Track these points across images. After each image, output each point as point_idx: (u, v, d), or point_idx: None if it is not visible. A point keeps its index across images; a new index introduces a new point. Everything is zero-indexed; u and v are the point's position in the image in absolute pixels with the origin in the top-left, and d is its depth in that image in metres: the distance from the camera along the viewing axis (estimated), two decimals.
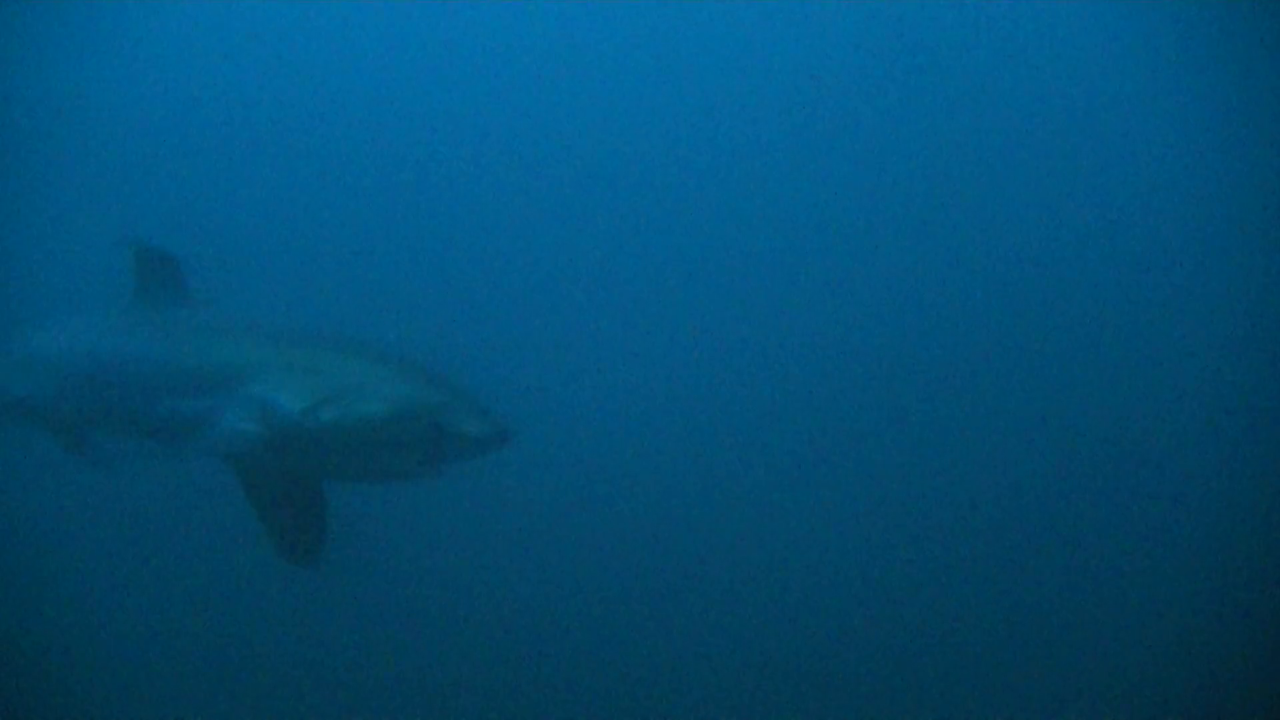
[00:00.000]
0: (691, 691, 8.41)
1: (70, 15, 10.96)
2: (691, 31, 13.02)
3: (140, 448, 5.05)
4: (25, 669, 7.85)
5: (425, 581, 8.93)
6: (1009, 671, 8.61)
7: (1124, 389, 10.84)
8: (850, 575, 9.56)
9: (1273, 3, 9.72)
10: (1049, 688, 8.51)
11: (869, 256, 11.92)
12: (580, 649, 8.64)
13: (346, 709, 8.03)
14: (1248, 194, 10.99)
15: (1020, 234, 11.90)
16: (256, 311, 5.46)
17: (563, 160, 12.57)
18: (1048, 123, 12.23)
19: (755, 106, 12.78)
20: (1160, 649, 8.69)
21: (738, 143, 12.70)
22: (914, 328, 11.46)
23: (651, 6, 13.06)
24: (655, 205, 12.54)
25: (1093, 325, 11.26)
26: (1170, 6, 10.91)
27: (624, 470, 10.15)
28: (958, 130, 12.34)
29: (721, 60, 12.98)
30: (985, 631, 9.05)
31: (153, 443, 4.99)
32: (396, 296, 10.61)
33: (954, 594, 9.42)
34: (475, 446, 4.68)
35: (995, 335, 11.23)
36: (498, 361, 7.73)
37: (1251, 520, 9.54)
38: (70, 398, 5.26)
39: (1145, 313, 11.20)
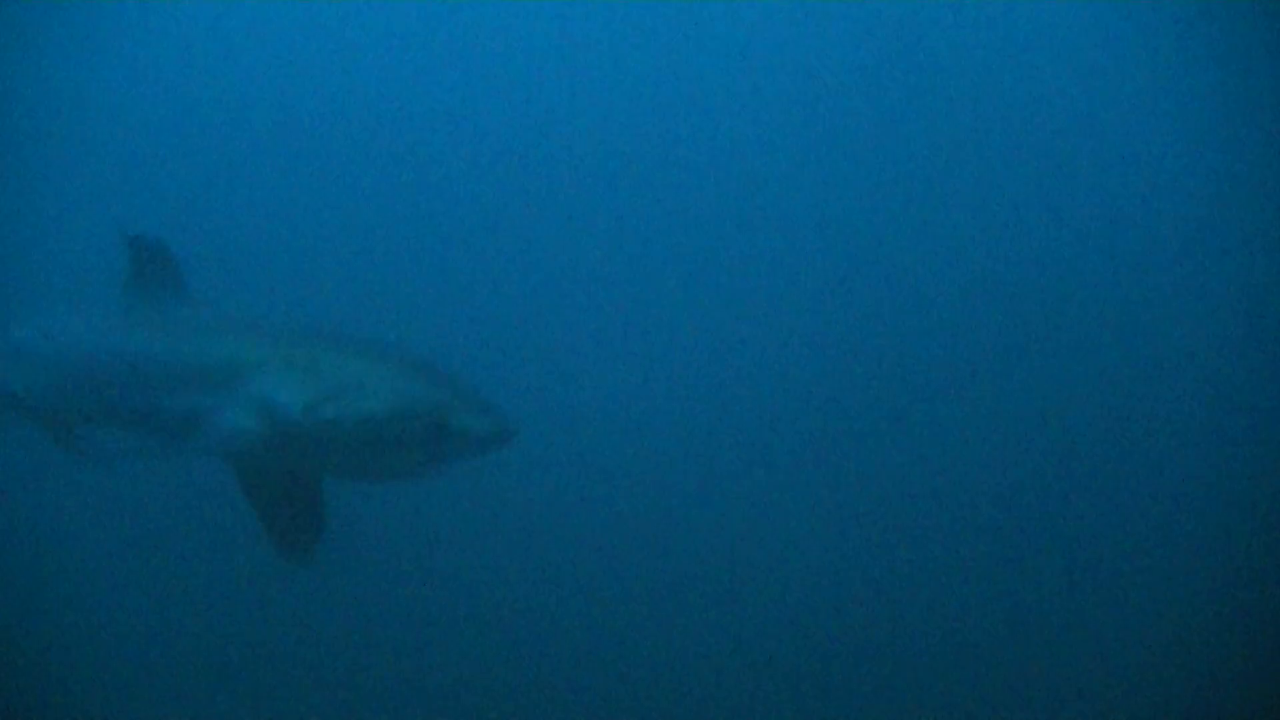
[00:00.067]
0: (692, 690, 8.40)
1: (64, 7, 10.91)
2: (692, 31, 13.02)
3: (138, 445, 5.00)
4: (23, 668, 7.84)
5: (425, 580, 8.92)
6: (1008, 671, 8.61)
7: (1124, 388, 10.85)
8: (850, 574, 9.56)
9: (1273, 2, 9.72)
10: (1049, 687, 8.51)
11: (869, 255, 11.92)
12: (581, 647, 8.63)
13: (347, 708, 8.02)
14: (1247, 193, 11.01)
15: (1019, 233, 11.91)
16: (255, 309, 5.44)
17: (564, 157, 12.56)
18: (1047, 122, 12.23)
19: (755, 106, 12.78)
20: (1160, 649, 8.69)
21: (738, 142, 12.70)
22: (915, 327, 11.46)
23: (652, 6, 13.06)
24: (657, 203, 12.53)
25: (1092, 324, 11.26)
26: (1170, 7, 10.92)
27: (626, 467, 10.14)
28: (956, 129, 12.35)
29: (722, 60, 12.98)
30: (985, 631, 9.05)
31: (151, 440, 4.94)
32: (397, 293, 10.60)
33: (954, 593, 9.42)
34: (478, 444, 4.64)
35: (994, 334, 11.24)
36: (499, 358, 7.72)
37: (1251, 520, 9.55)
38: (65, 393, 5.21)
39: (1145, 312, 11.20)
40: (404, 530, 8.80)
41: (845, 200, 12.34)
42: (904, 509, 10.16)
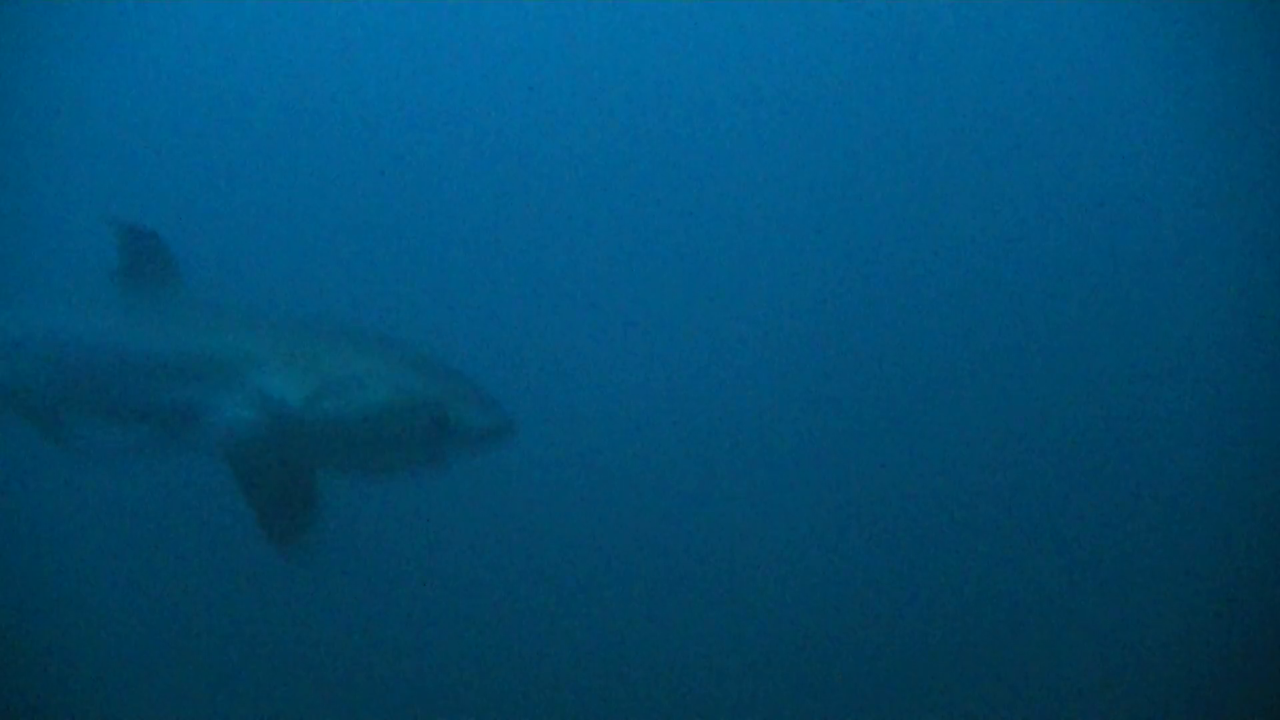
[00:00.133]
0: (692, 689, 8.38)
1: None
2: (692, 31, 13.02)
3: (133, 441, 4.92)
4: (20, 667, 7.81)
5: (425, 578, 8.90)
6: (1008, 671, 8.60)
7: (1124, 387, 10.85)
8: (849, 573, 9.55)
9: (1273, 1, 9.73)
10: (1048, 687, 8.50)
11: (868, 255, 11.92)
12: (580, 646, 8.62)
13: (346, 708, 7.99)
14: (1246, 192, 11.01)
15: (1018, 232, 11.92)
16: (252, 301, 5.31)
17: (563, 153, 12.55)
18: (1045, 121, 12.24)
19: (755, 106, 12.78)
20: (1160, 649, 8.68)
21: (738, 142, 12.69)
22: (914, 325, 11.46)
23: (652, 6, 13.06)
24: (656, 201, 12.53)
25: (1091, 322, 11.27)
26: (1170, 7, 10.93)
27: (625, 464, 10.13)
28: (955, 128, 12.35)
29: (722, 59, 12.98)
30: (984, 631, 9.04)
31: (147, 433, 4.88)
32: (397, 286, 10.58)
33: (953, 592, 9.41)
34: (478, 439, 4.63)
35: (993, 333, 11.24)
36: (498, 353, 7.69)
37: (1251, 520, 9.54)
38: (58, 385, 5.12)
39: (1143, 310, 11.21)
40: (403, 528, 8.78)
41: (844, 200, 12.34)
42: (904, 508, 10.15)
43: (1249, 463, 9.95)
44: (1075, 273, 11.67)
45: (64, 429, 5.30)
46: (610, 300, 11.81)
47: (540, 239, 12.04)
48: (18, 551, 8.58)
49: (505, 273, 11.79)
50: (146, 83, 12.04)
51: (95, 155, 11.14)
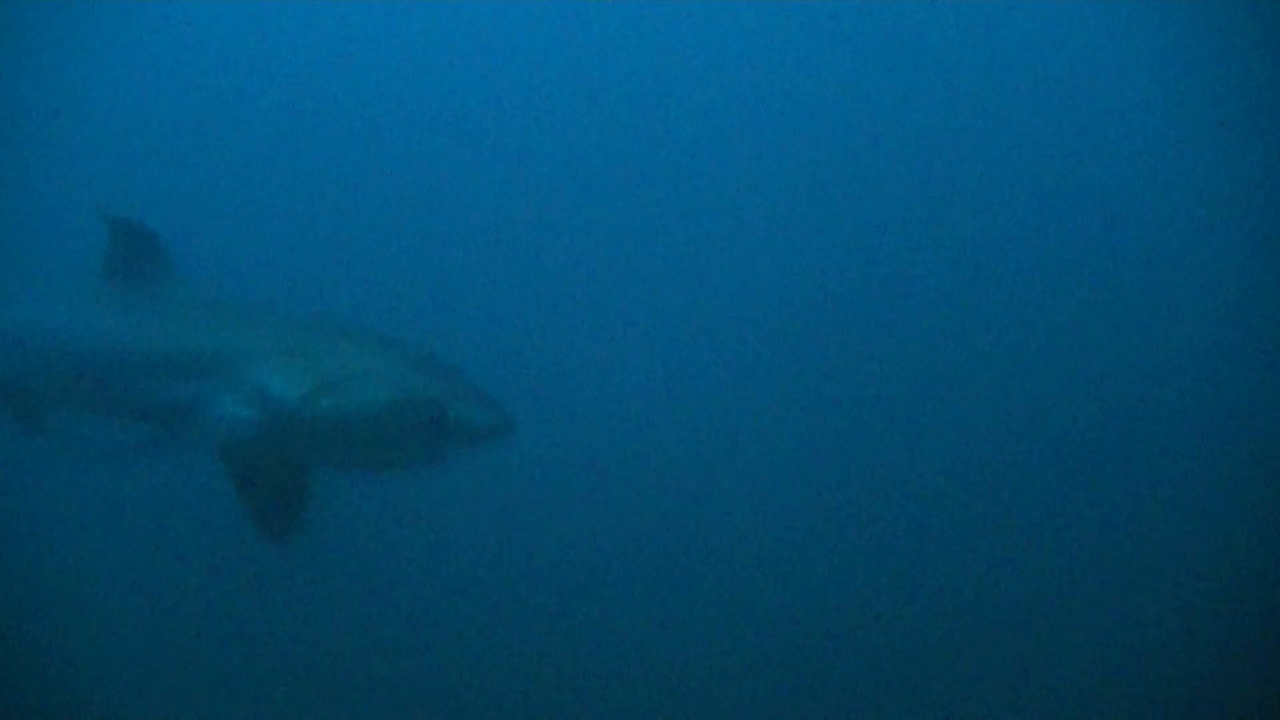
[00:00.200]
0: (691, 689, 8.37)
1: None
2: (692, 30, 13.01)
3: (127, 438, 4.79)
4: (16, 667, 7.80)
5: (424, 577, 8.89)
6: (1007, 671, 8.60)
7: (1124, 387, 10.86)
8: (847, 573, 9.55)
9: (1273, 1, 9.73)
10: (1047, 687, 8.49)
11: (867, 255, 11.92)
12: (580, 644, 8.60)
13: (346, 708, 7.98)
14: (1245, 191, 11.01)
15: (1016, 231, 11.92)
16: (246, 294, 5.26)
17: (563, 155, 12.55)
18: (1044, 121, 12.24)
19: (755, 105, 12.77)
20: (1159, 649, 8.68)
21: (738, 142, 12.69)
22: (913, 325, 11.46)
23: (652, 6, 13.05)
24: (658, 199, 12.52)
25: (1091, 323, 11.27)
26: (1170, 7, 10.92)
27: (624, 462, 10.13)
28: (954, 128, 12.35)
29: (721, 58, 12.97)
30: (984, 632, 9.04)
31: (141, 428, 4.76)
32: (396, 283, 10.56)
33: (952, 591, 9.41)
34: (477, 437, 4.60)
35: (993, 333, 11.24)
36: (496, 351, 7.67)
37: (1251, 519, 9.54)
38: (48, 378, 5.02)
39: (1144, 311, 11.21)
40: (402, 526, 8.78)
41: (843, 200, 12.34)
42: (903, 507, 10.15)
43: (1248, 463, 9.95)
44: (1074, 272, 11.67)
45: (52, 425, 5.21)
46: (609, 299, 11.81)
47: (539, 238, 12.03)
48: (16, 551, 8.56)
49: (504, 270, 11.78)
50: (141, 79, 12.01)
51: (89, 151, 11.11)
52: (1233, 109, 10.77)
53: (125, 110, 11.77)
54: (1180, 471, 10.16)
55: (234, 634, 8.26)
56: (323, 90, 12.48)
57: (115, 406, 4.88)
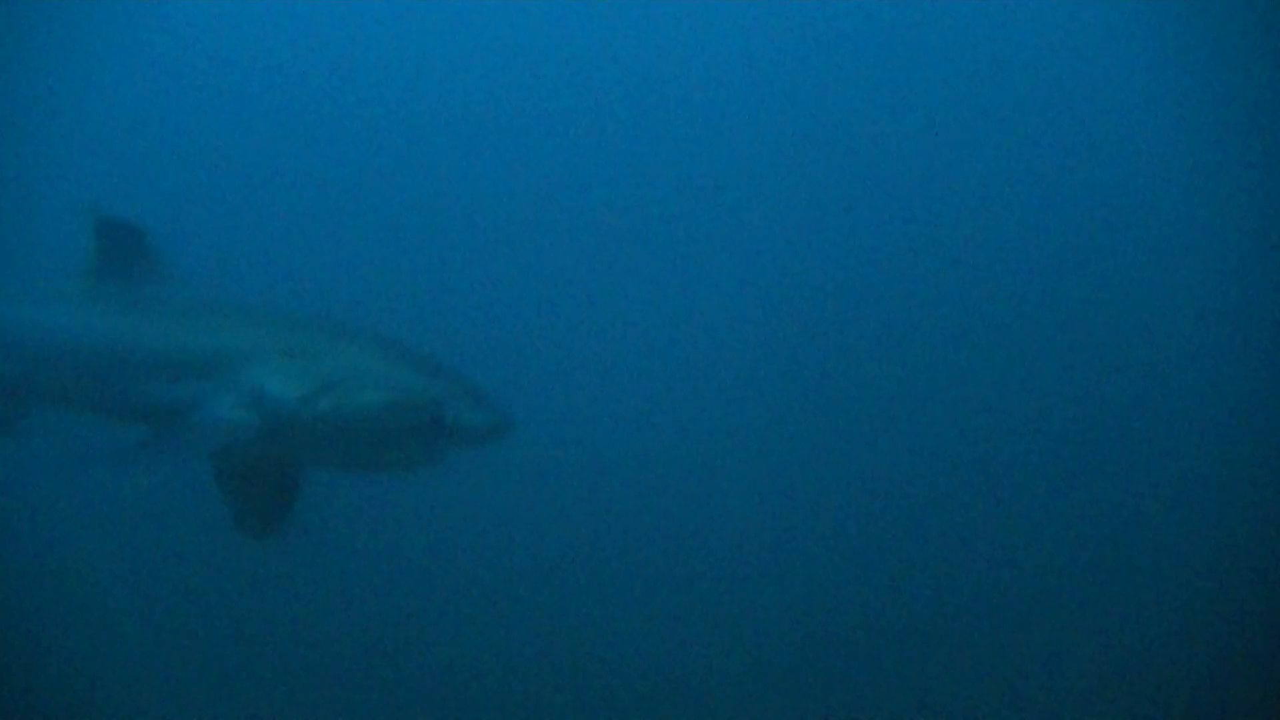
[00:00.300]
0: (689, 689, 8.37)
1: None
2: (692, 30, 13.00)
3: (117, 446, 4.56)
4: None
5: (422, 577, 8.89)
6: (1006, 670, 8.60)
7: (1123, 387, 10.86)
8: (846, 572, 9.54)
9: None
10: (1046, 686, 8.49)
11: (866, 254, 11.91)
12: (580, 643, 8.60)
13: (345, 708, 7.97)
14: (1244, 191, 11.01)
15: (1015, 231, 11.92)
16: (243, 296, 5.15)
17: (562, 154, 12.53)
18: (1042, 121, 12.24)
19: (755, 106, 12.76)
20: (1159, 650, 8.68)
21: (740, 141, 12.67)
22: (916, 324, 11.46)
23: (652, 6, 13.03)
24: (656, 199, 12.51)
25: (1091, 323, 11.27)
26: (1169, 6, 10.91)
27: (624, 461, 10.12)
28: (954, 128, 12.35)
29: (720, 58, 12.95)
30: (984, 632, 9.03)
31: (133, 430, 4.65)
32: (391, 283, 10.53)
33: (951, 591, 9.41)
34: (475, 438, 4.57)
35: (992, 332, 11.24)
36: (497, 349, 7.67)
37: (1251, 520, 9.54)
38: (35, 377, 4.84)
39: (1143, 310, 11.21)
40: (401, 526, 8.77)
41: (842, 200, 12.33)
42: (903, 507, 10.15)
43: (1248, 464, 9.95)
44: (1072, 271, 11.67)
45: (26, 427, 5.05)
46: (608, 299, 11.80)
47: (537, 238, 12.02)
48: (15, 551, 8.54)
49: (502, 270, 11.76)
50: (132, 77, 11.96)
51: (77, 149, 11.06)
52: (1233, 109, 10.77)
53: (114, 108, 11.73)
54: (1179, 471, 10.17)
55: (231, 634, 8.24)
56: (317, 87, 12.45)
57: (108, 408, 4.78)
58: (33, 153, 10.81)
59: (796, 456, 10.51)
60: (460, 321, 9.61)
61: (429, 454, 4.60)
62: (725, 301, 11.76)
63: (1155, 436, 10.51)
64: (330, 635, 8.41)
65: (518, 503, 9.42)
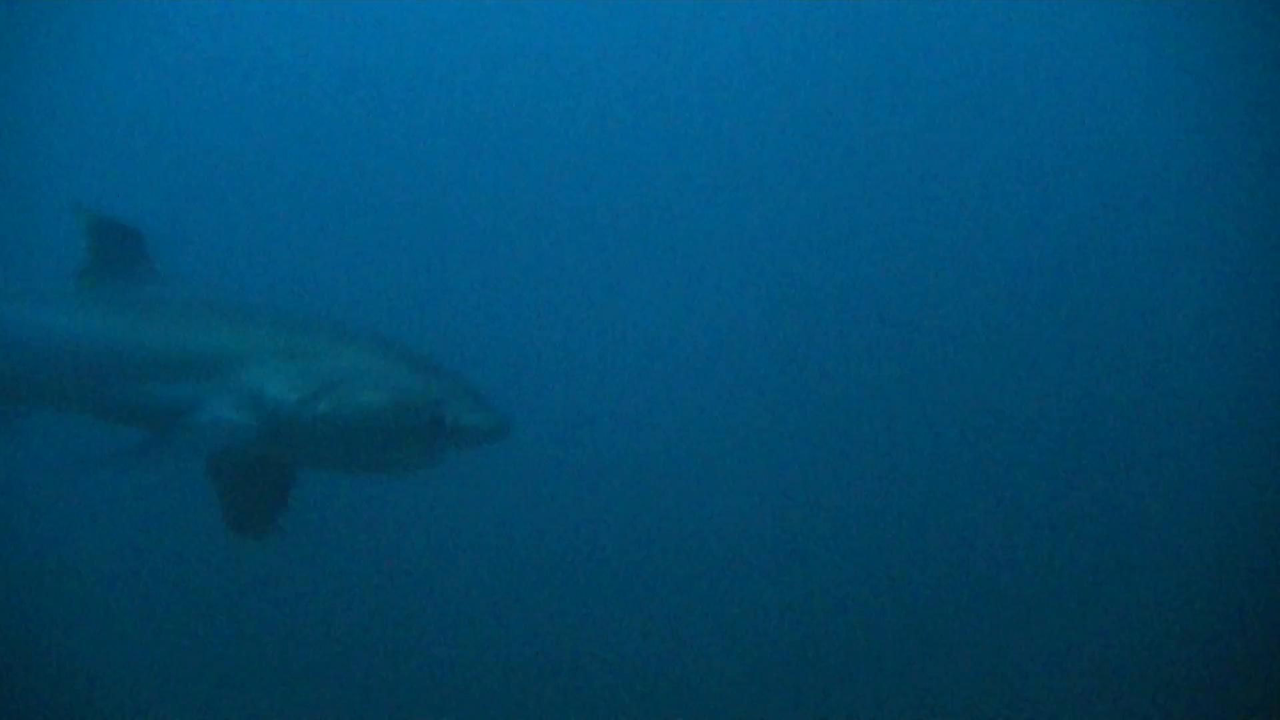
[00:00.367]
0: (689, 688, 8.36)
1: None
2: (692, 30, 12.99)
3: (112, 450, 4.46)
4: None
5: (420, 576, 8.88)
6: (1005, 670, 8.59)
7: (1123, 387, 10.86)
8: (844, 572, 9.54)
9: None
10: (1044, 686, 8.47)
11: (866, 254, 11.91)
12: (580, 642, 8.59)
13: (343, 706, 7.96)
14: (1243, 190, 11.01)
15: (1014, 231, 11.92)
16: (239, 296, 5.06)
17: (562, 154, 12.52)
18: (1041, 121, 12.24)
19: (755, 106, 12.75)
20: (1159, 650, 8.67)
21: (740, 141, 12.67)
22: (916, 325, 11.45)
23: (651, 5, 13.02)
24: (655, 201, 12.51)
25: (1091, 324, 11.27)
26: (1169, 6, 10.90)
27: (622, 461, 10.12)
28: (955, 129, 12.34)
29: (720, 59, 12.94)
30: (983, 631, 9.03)
31: (130, 431, 4.58)
32: (391, 283, 10.52)
33: (951, 591, 9.40)
34: (475, 438, 4.55)
35: (992, 333, 11.24)
36: (494, 349, 7.66)
37: (1251, 520, 9.54)
38: (30, 378, 4.74)
39: (1144, 312, 11.21)
40: (399, 527, 8.76)
41: (843, 200, 12.33)
42: (901, 507, 10.15)
43: (1248, 465, 9.95)
44: (1071, 270, 11.67)
45: (25, 427, 5.02)
46: (607, 300, 11.79)
47: (536, 239, 12.01)
48: (14, 551, 8.53)
49: (501, 271, 11.76)
50: (134, 77, 11.95)
51: (80, 150, 11.04)
52: (1233, 109, 10.76)
53: (112, 108, 11.71)
54: (1179, 470, 10.17)
55: (230, 634, 8.23)
56: (317, 87, 12.44)
57: (107, 410, 4.71)
58: (30, 152, 10.79)
59: (796, 456, 10.50)
60: (460, 322, 9.62)
61: (429, 455, 4.56)
62: (724, 301, 11.76)
63: (1155, 436, 10.50)
64: (329, 635, 8.40)
65: (517, 502, 9.41)
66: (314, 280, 9.49)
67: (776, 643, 8.86)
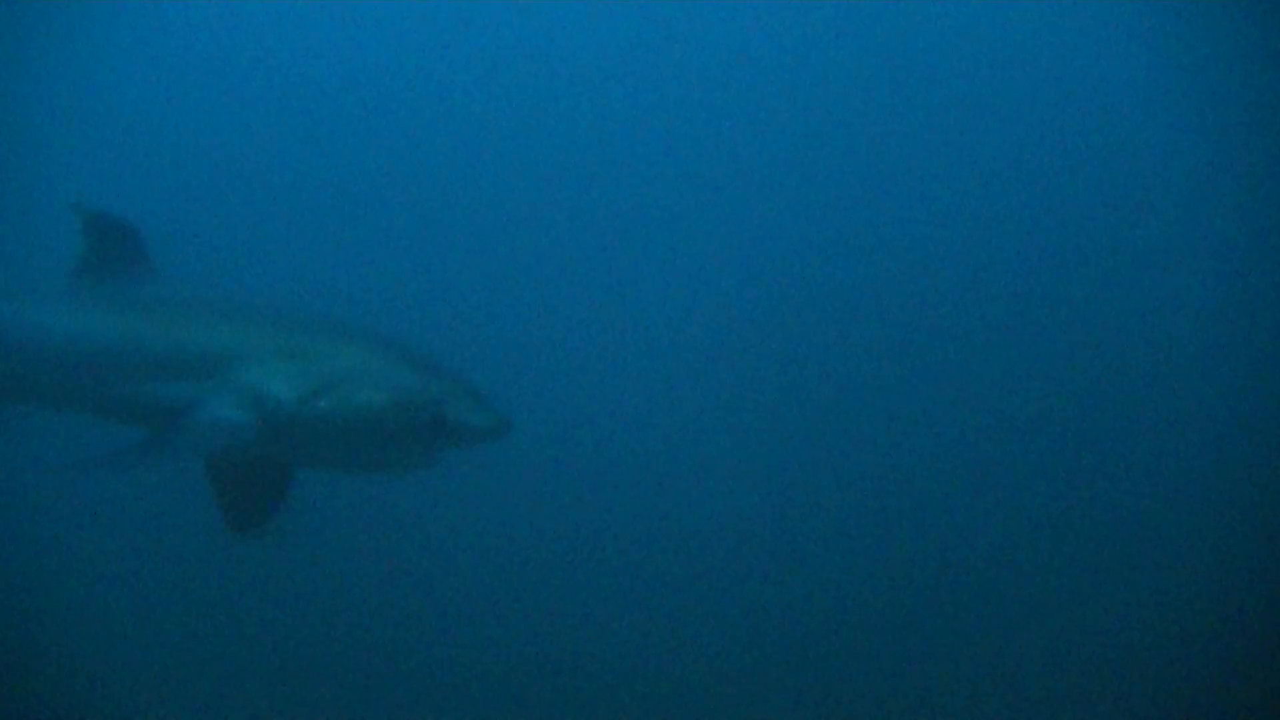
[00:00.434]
0: (687, 687, 8.35)
1: None
2: (691, 30, 12.99)
3: (110, 451, 4.39)
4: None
5: (419, 575, 8.87)
6: (1006, 671, 8.58)
7: (1124, 388, 10.86)
8: (848, 571, 9.53)
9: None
10: (1048, 688, 8.47)
11: (866, 254, 11.91)
12: (578, 641, 8.58)
13: (341, 706, 7.95)
14: (1245, 194, 11.00)
15: (1013, 231, 11.92)
16: (237, 293, 5.05)
17: (562, 154, 12.52)
18: (1041, 122, 12.24)
19: (756, 105, 12.75)
20: (1159, 650, 8.66)
21: (740, 142, 12.67)
22: (914, 325, 11.45)
23: (651, 5, 13.01)
24: (655, 201, 12.51)
25: (1091, 324, 11.27)
26: (1169, 6, 10.90)
27: (622, 460, 10.12)
28: (955, 129, 12.34)
29: (720, 59, 12.94)
30: (982, 631, 9.02)
31: (129, 431, 4.54)
32: (391, 282, 10.51)
33: (951, 591, 9.40)
34: (476, 437, 4.55)
35: (993, 334, 11.24)
36: (494, 349, 7.66)
37: (1251, 519, 9.53)
38: (27, 377, 4.70)
39: (1144, 312, 11.21)
40: (399, 525, 8.76)
41: (843, 200, 12.33)
42: (901, 506, 10.14)
43: (1248, 465, 9.95)
44: (1070, 270, 11.67)
45: (24, 427, 4.99)
46: (607, 299, 11.79)
47: (536, 238, 12.01)
48: (14, 551, 8.52)
49: (501, 270, 11.76)
50: (133, 76, 11.94)
51: (79, 148, 11.02)
52: (1233, 109, 10.76)
53: (111, 106, 11.70)
54: (1177, 469, 10.17)
55: (230, 634, 8.23)
56: (317, 86, 12.44)
57: (106, 409, 4.69)
58: (30, 152, 10.78)
59: (797, 455, 10.51)
60: (460, 321, 9.62)
61: (428, 454, 4.56)
62: (725, 301, 11.76)
63: (1155, 436, 10.50)
64: (329, 635, 8.40)
65: (517, 502, 9.41)
66: (314, 279, 9.48)
67: (776, 642, 8.85)
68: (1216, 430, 10.36)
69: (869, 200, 12.18)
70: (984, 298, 11.47)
